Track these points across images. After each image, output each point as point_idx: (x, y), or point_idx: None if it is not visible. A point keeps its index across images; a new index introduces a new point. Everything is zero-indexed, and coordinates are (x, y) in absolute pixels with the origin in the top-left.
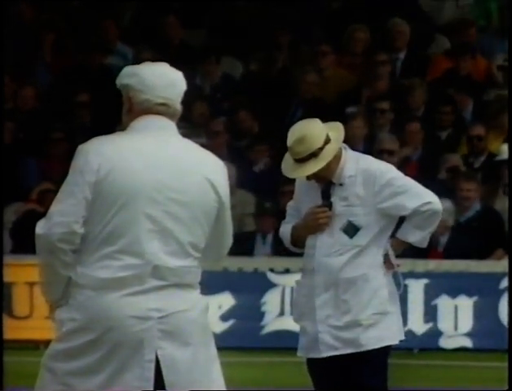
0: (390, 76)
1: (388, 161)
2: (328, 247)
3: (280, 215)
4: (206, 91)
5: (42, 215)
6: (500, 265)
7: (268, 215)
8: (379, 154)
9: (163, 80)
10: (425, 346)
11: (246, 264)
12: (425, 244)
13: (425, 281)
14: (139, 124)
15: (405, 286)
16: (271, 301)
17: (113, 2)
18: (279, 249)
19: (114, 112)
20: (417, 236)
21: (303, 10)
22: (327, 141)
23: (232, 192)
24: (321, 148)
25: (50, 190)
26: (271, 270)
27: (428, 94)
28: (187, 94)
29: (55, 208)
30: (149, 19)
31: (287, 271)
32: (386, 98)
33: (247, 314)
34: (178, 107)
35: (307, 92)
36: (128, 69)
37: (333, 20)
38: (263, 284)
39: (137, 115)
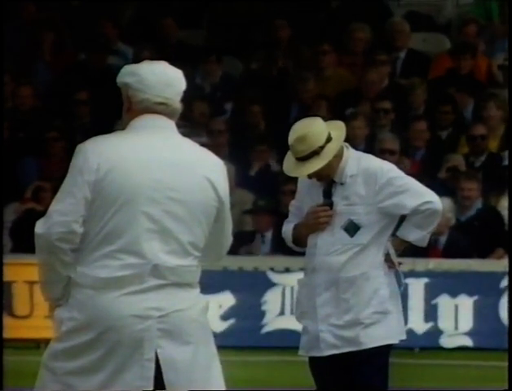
0: (390, 76)
1: (389, 161)
2: (328, 245)
3: (279, 214)
4: (207, 90)
5: (41, 214)
6: (501, 265)
7: (264, 213)
8: (381, 154)
9: (162, 79)
10: (425, 345)
11: (246, 263)
12: (425, 244)
13: (425, 280)
14: (138, 123)
15: (406, 285)
16: (271, 300)
17: (113, 2)
18: (278, 248)
19: (113, 111)
20: (416, 235)
21: (303, 9)
22: (328, 139)
23: (231, 191)
24: (322, 147)
25: (43, 188)
26: (272, 269)
27: (428, 94)
28: (187, 93)
29: (55, 207)
30: (149, 18)
31: (287, 270)
32: (387, 98)
33: (247, 314)
34: (178, 106)
35: (307, 98)
36: (127, 68)
37: (333, 19)
38: (263, 283)
39: (136, 114)
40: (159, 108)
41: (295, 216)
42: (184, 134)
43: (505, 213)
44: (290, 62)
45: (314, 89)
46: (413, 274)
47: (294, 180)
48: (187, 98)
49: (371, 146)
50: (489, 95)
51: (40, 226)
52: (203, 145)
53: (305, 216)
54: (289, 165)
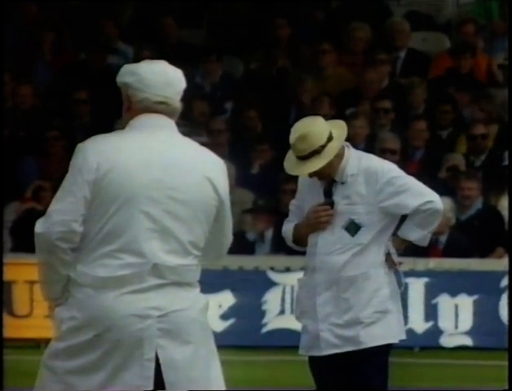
0: (390, 75)
1: (390, 160)
2: (329, 245)
3: (279, 213)
4: (207, 90)
5: (42, 214)
6: (501, 264)
7: (264, 213)
8: (381, 153)
9: (162, 78)
10: (425, 345)
11: (247, 262)
12: (425, 243)
13: (425, 280)
14: (138, 122)
15: (406, 284)
16: (271, 300)
17: (113, 1)
18: (278, 248)
19: (113, 111)
20: (417, 235)
21: (303, 8)
22: (329, 139)
23: (232, 190)
24: (324, 146)
25: (43, 187)
26: (272, 269)
27: (428, 93)
28: (187, 92)
29: (55, 206)
30: (149, 18)
31: (287, 270)
32: (387, 98)
33: (247, 313)
34: (178, 105)
35: (306, 98)
36: (127, 67)
37: (333, 19)
38: (264, 283)
39: (136, 113)
40: (159, 108)
41: (295, 215)
42: (184, 134)
43: (505, 212)
44: (290, 61)
45: (312, 89)
46: (413, 273)
47: (295, 179)
48: (187, 97)
49: (371, 145)
50: (474, 97)
51: (40, 226)
52: (203, 144)
53: (306, 215)
54: (290, 164)
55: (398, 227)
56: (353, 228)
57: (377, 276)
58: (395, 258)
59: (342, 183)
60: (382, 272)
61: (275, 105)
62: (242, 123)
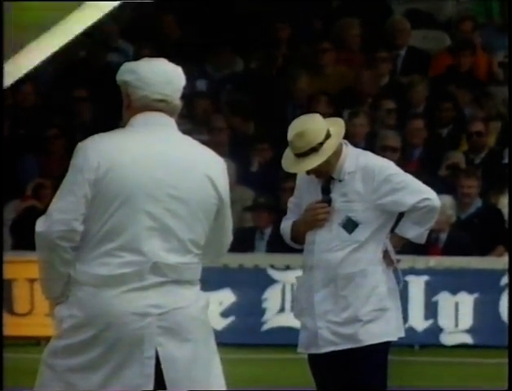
0: (390, 74)
1: (391, 158)
2: (327, 242)
3: (278, 211)
4: (207, 88)
5: (42, 212)
6: (501, 262)
7: (263, 210)
8: (382, 151)
9: (161, 76)
10: (425, 343)
11: (247, 260)
12: (423, 240)
13: (425, 278)
14: (137, 121)
15: (406, 282)
16: (271, 298)
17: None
18: (276, 245)
19: (114, 109)
20: (415, 232)
21: (303, 7)
22: (327, 136)
23: (232, 189)
24: (321, 143)
25: (43, 185)
26: (272, 267)
27: (429, 91)
28: (188, 90)
29: (55, 205)
30: (150, 16)
31: (287, 268)
32: (387, 96)
33: (247, 311)
34: (178, 103)
35: (302, 96)
36: (126, 66)
37: (332, 18)
38: (264, 281)
39: (136, 111)
40: (159, 106)
41: (293, 213)
42: (185, 132)
43: (505, 210)
44: (290, 61)
45: (307, 87)
46: (414, 271)
47: (294, 177)
48: (188, 95)
49: (371, 143)
50: (474, 95)
51: (40, 225)
52: (204, 142)
53: (303, 213)
54: (288, 162)
55: (395, 225)
56: (350, 225)
57: (375, 273)
58: (393, 256)
59: (340, 181)
60: (380, 269)
61: (275, 104)
62: (234, 125)
